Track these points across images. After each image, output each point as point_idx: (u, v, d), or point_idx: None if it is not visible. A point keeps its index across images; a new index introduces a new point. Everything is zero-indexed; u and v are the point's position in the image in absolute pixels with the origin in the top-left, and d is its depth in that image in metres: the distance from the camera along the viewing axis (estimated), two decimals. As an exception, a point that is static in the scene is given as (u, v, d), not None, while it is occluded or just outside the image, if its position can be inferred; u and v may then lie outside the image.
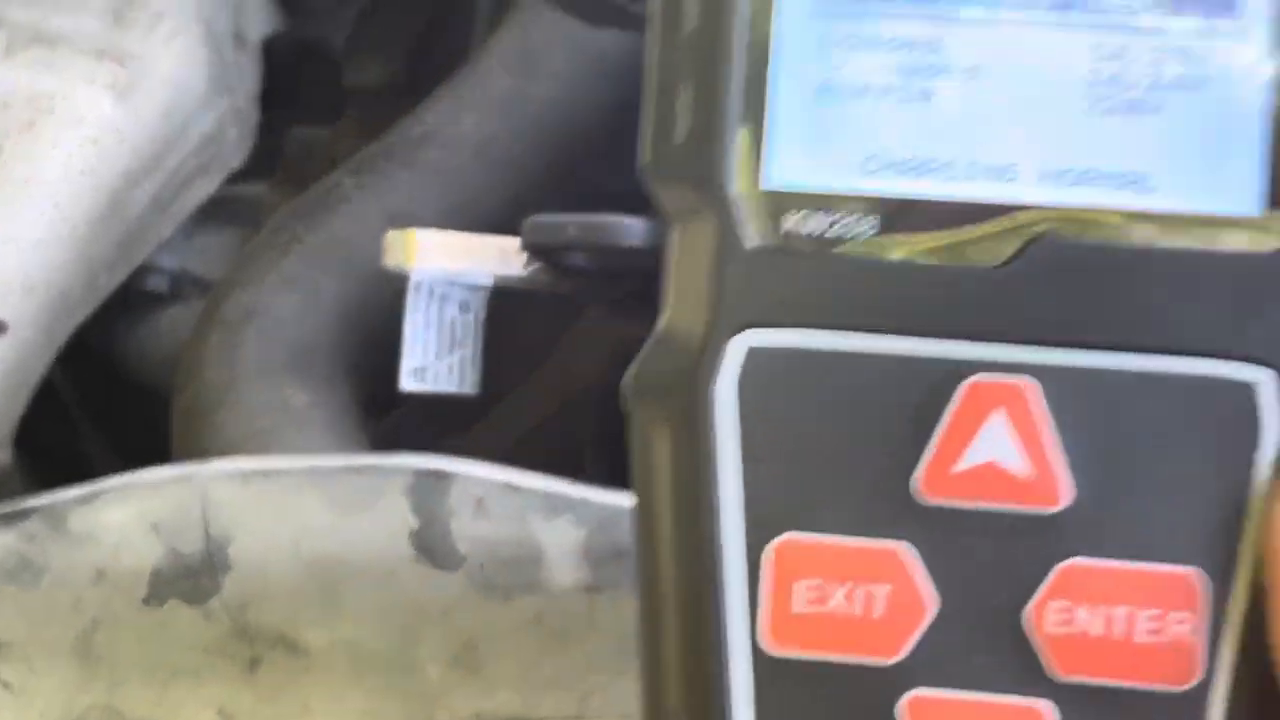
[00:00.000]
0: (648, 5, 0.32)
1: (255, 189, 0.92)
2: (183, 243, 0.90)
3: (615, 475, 0.73)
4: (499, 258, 0.67)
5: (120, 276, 0.82)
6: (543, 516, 0.53)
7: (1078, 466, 0.31)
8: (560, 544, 0.53)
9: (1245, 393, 0.30)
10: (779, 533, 0.31)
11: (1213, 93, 0.31)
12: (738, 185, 0.32)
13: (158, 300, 0.90)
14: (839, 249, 0.32)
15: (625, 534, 0.52)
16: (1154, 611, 0.31)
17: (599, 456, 0.78)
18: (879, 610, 0.31)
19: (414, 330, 0.68)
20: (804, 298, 0.32)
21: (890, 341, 0.32)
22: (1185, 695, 0.30)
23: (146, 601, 0.55)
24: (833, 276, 0.32)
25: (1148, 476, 0.31)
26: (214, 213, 0.89)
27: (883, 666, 0.31)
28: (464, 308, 0.69)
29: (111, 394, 0.93)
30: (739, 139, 0.32)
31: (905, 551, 0.31)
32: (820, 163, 0.32)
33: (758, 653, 0.31)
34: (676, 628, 0.31)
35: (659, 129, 0.32)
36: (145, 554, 0.54)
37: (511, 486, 0.54)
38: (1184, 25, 0.31)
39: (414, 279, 0.67)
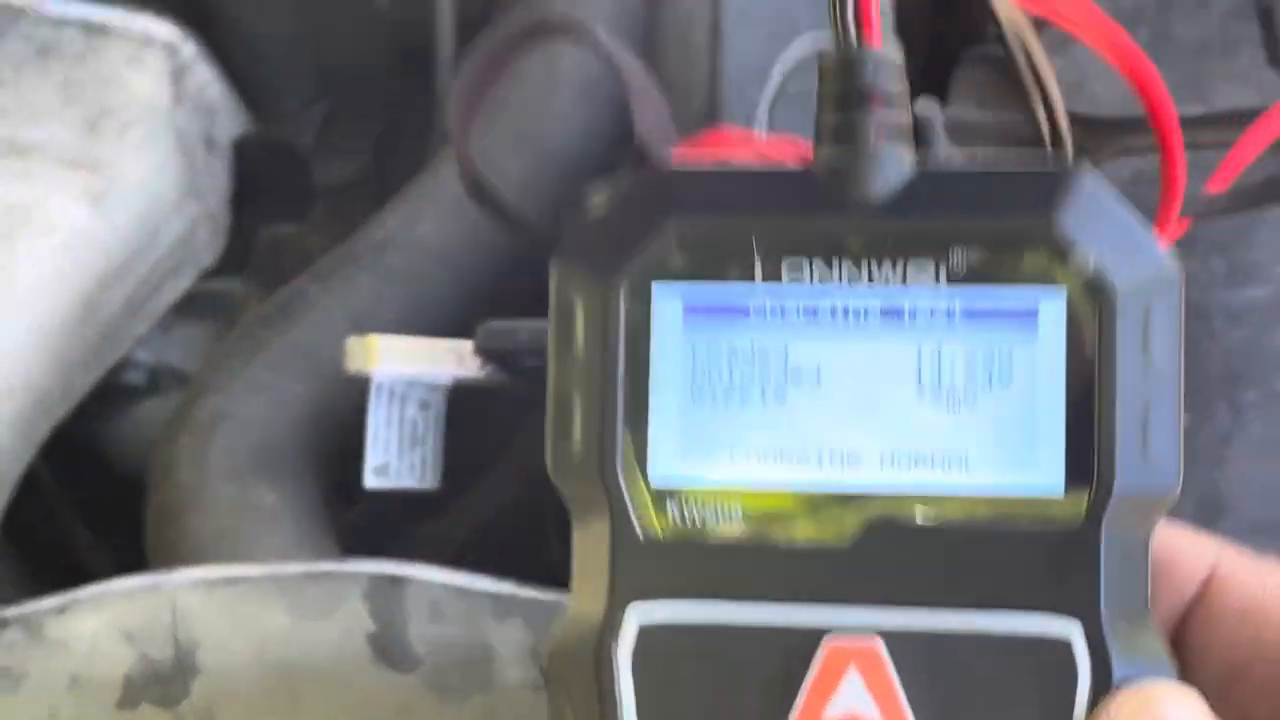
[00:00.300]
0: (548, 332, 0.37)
1: (229, 284, 0.95)
2: (159, 337, 0.93)
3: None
4: (456, 360, 0.70)
5: (96, 376, 0.85)
6: (494, 618, 0.56)
7: (922, 714, 0.35)
8: (510, 644, 0.56)
9: (1063, 645, 0.34)
10: None
11: (1018, 390, 0.35)
12: (626, 482, 0.36)
13: (136, 393, 0.92)
14: (714, 533, 0.36)
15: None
16: None
17: (561, 537, 0.80)
18: None
19: (376, 429, 0.71)
20: (686, 578, 0.36)
21: (760, 611, 0.35)
22: None
23: (120, 706, 0.57)
24: (709, 558, 0.36)
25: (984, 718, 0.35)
26: (189, 308, 0.92)
27: None
28: (424, 406, 0.72)
29: (95, 484, 0.95)
30: (624, 443, 0.36)
31: None
32: (695, 459, 0.36)
33: None
34: None
35: (558, 436, 0.37)
36: (118, 660, 0.57)
37: (463, 590, 0.56)
38: (993, 332, 0.35)
39: (375, 381, 0.70)
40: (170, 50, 0.88)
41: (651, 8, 0.86)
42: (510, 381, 0.71)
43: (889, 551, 0.35)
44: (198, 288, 0.92)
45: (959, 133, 0.67)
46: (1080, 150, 0.64)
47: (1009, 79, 0.40)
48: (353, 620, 0.57)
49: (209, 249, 0.91)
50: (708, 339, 0.36)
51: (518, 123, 0.82)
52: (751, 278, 0.36)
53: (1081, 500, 0.35)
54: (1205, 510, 0.59)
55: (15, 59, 0.85)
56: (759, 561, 0.36)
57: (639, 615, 0.36)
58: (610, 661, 0.36)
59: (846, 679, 0.35)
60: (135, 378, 0.93)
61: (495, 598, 0.56)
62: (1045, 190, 0.35)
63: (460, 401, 0.73)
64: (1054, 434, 0.35)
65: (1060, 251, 0.35)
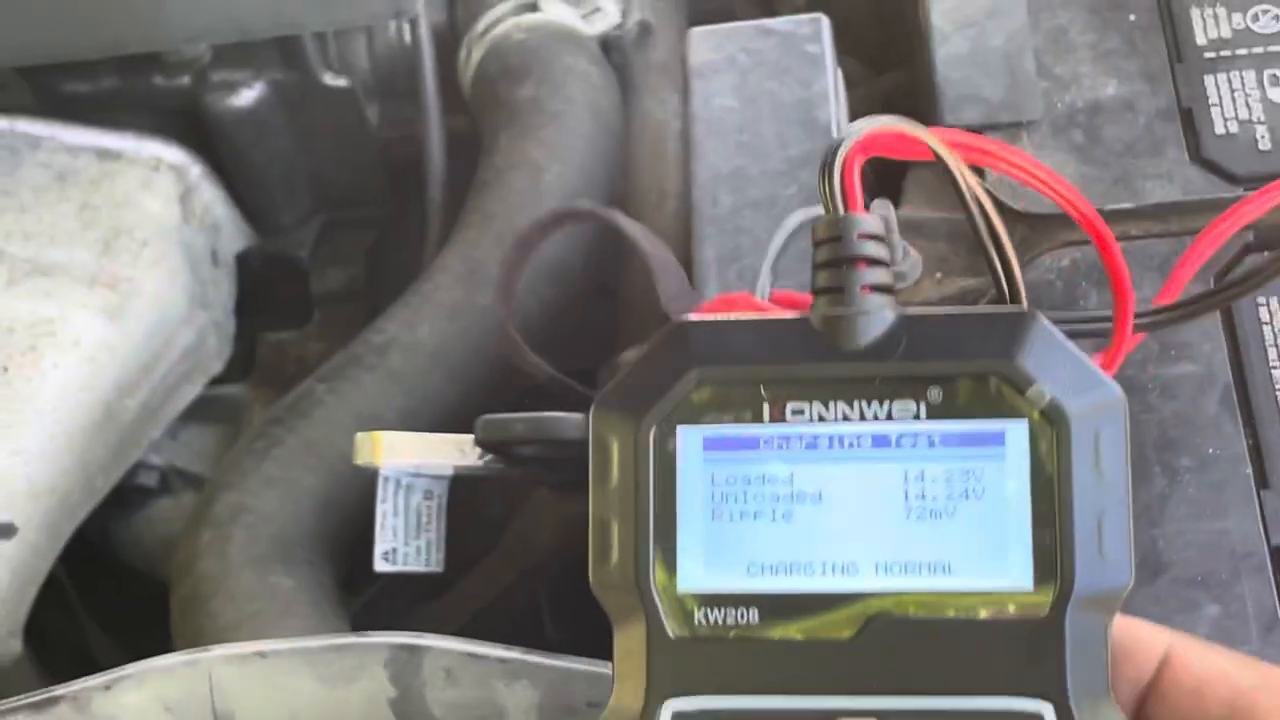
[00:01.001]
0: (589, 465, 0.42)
1: (234, 390, 1.01)
2: (170, 441, 0.98)
3: (569, 634, 0.80)
4: (457, 451, 0.75)
5: (115, 478, 0.90)
6: (503, 681, 0.61)
7: None
8: (519, 704, 0.61)
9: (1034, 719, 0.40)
10: None
11: (990, 503, 0.41)
12: (658, 592, 0.41)
13: (149, 494, 0.97)
14: (733, 634, 0.41)
15: (574, 694, 0.61)
16: None
17: (556, 618, 0.85)
18: None
19: (384, 518, 0.75)
20: (712, 673, 0.41)
21: (777, 699, 0.41)
22: None
23: (164, 773, 0.62)
24: (732, 655, 0.41)
25: None
26: (197, 413, 0.97)
27: None
28: (428, 495, 0.77)
29: (107, 581, 0.99)
30: (656, 558, 0.42)
31: None
32: (716, 570, 0.41)
33: None
34: None
35: (599, 554, 0.42)
36: (161, 731, 0.62)
37: (475, 656, 0.61)
38: (967, 456, 0.41)
39: (382, 473, 0.75)
40: (178, 173, 0.94)
41: (626, 121, 0.93)
42: (507, 471, 0.76)
43: (885, 646, 0.41)
44: (206, 393, 0.96)
45: (912, 230, 0.72)
46: (1024, 242, 0.70)
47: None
48: (375, 687, 0.61)
49: (217, 356, 0.96)
50: (725, 469, 0.42)
51: (508, 233, 0.87)
52: (761, 419, 0.41)
53: (1048, 596, 0.40)
54: (1146, 568, 0.63)
55: (35, 184, 0.91)
56: (775, 657, 0.41)
57: (672, 706, 0.41)
58: None
59: None
60: (148, 479, 0.97)
61: (505, 662, 0.61)
62: (1006, 334, 0.41)
63: (458, 490, 0.78)
64: (1022, 540, 0.40)
65: (1021, 386, 0.40)
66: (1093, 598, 0.40)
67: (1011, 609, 0.40)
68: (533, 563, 0.84)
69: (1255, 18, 0.74)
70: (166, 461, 0.98)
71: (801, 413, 0.41)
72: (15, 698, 0.64)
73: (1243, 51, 0.73)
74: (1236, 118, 0.72)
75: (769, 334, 0.42)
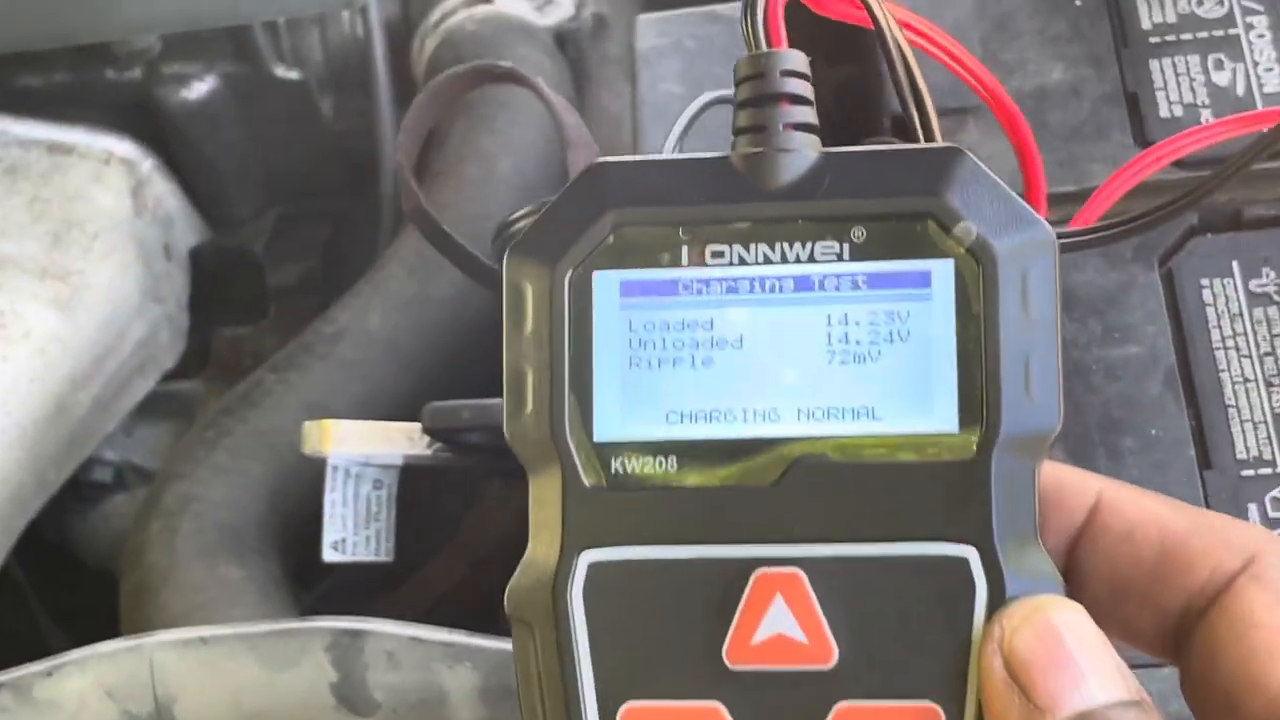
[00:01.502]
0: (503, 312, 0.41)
1: (188, 385, 1.00)
2: (124, 437, 0.97)
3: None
4: (406, 440, 0.75)
5: (68, 471, 0.90)
6: (445, 664, 0.61)
7: (840, 632, 0.39)
8: (461, 687, 0.61)
9: (962, 565, 0.39)
10: (625, 701, 0.40)
11: (915, 345, 0.40)
12: (573, 441, 0.40)
13: (104, 490, 0.97)
14: (651, 483, 0.40)
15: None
16: None
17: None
18: None
19: (333, 507, 0.76)
20: (629, 523, 0.40)
21: (696, 549, 0.40)
22: None
23: (105, 759, 0.62)
24: (649, 504, 0.40)
25: (894, 636, 0.39)
26: (151, 408, 0.97)
27: None
28: (377, 485, 0.77)
29: (63, 577, 0.99)
30: (571, 407, 0.40)
31: (720, 708, 0.40)
32: (633, 419, 0.40)
33: None
34: None
35: (513, 404, 0.41)
36: (103, 717, 0.61)
37: (417, 640, 0.61)
38: (892, 298, 0.40)
39: (331, 462, 0.75)
40: (130, 166, 0.94)
41: (581, 112, 0.93)
42: (457, 460, 0.76)
43: (807, 492, 0.39)
44: (160, 389, 0.97)
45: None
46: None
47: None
48: (317, 671, 0.61)
49: (170, 350, 0.96)
50: (643, 315, 0.40)
51: (461, 224, 0.87)
52: (680, 262, 0.40)
53: (973, 438, 0.39)
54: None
55: (-15, 178, 0.91)
56: (694, 506, 0.40)
57: (589, 557, 0.40)
58: (565, 598, 0.40)
59: (773, 605, 0.39)
60: (103, 475, 0.97)
61: (447, 646, 0.61)
62: (933, 170, 0.40)
63: (410, 484, 0.78)
64: (947, 382, 0.39)
65: (947, 224, 0.39)
66: (1020, 440, 0.39)
67: (936, 452, 0.39)
68: (485, 553, 0.84)
69: (1200, 2, 0.74)
70: (122, 457, 0.98)
71: (721, 255, 0.40)
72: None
73: (1187, 36, 0.73)
74: (1181, 101, 0.72)
75: (688, 174, 0.41)
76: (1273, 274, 0.67)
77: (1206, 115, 0.71)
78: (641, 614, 0.40)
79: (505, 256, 0.41)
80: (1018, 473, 0.39)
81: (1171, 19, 0.74)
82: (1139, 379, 0.67)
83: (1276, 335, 0.66)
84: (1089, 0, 0.76)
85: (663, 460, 0.40)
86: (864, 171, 0.40)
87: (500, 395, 0.68)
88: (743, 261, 0.40)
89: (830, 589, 0.39)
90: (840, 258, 0.40)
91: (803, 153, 0.41)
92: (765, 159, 0.41)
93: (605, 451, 0.40)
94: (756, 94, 0.41)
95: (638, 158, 0.42)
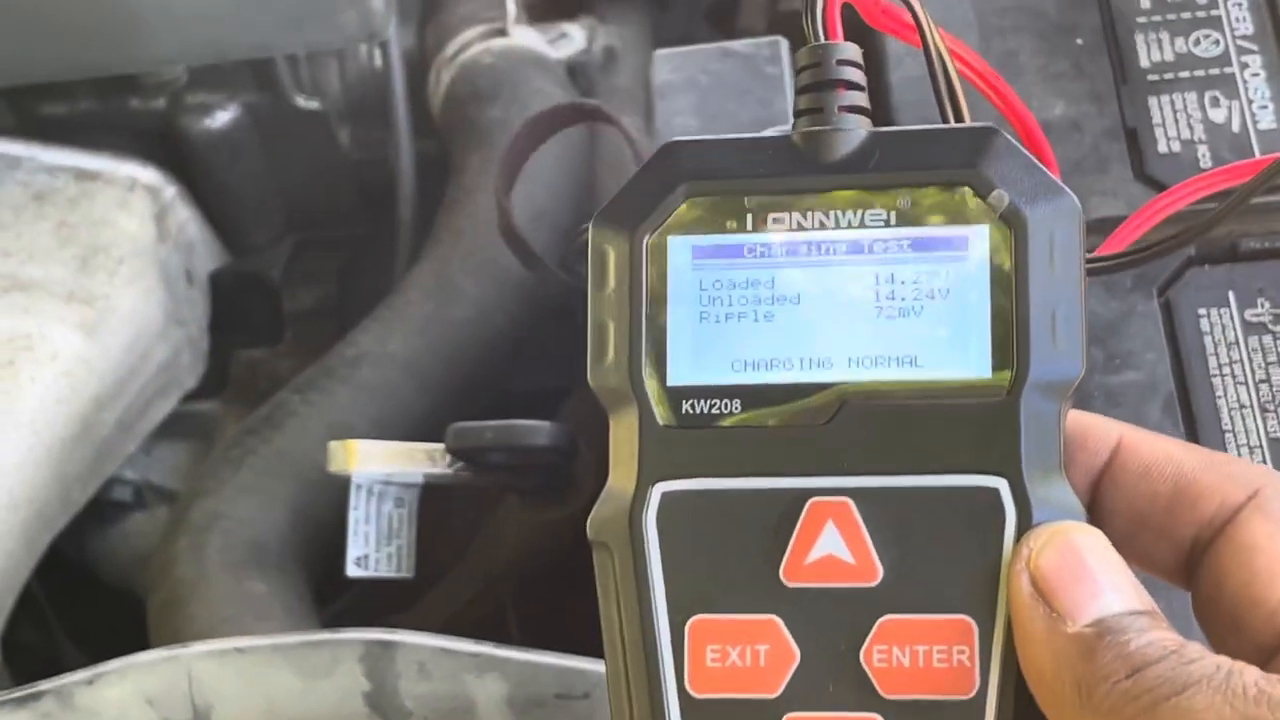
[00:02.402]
0: (584, 271, 0.46)
1: (207, 406, 1.02)
2: (144, 457, 0.99)
3: (534, 638, 0.82)
4: (427, 459, 0.77)
5: (91, 491, 0.92)
6: (474, 674, 0.63)
7: (884, 554, 0.43)
8: (489, 697, 0.63)
9: (993, 495, 0.43)
10: (692, 614, 0.44)
11: (953, 300, 0.44)
12: (650, 385, 0.44)
13: (123, 509, 0.99)
14: (718, 422, 0.44)
15: (543, 686, 0.63)
16: (943, 646, 0.43)
17: (522, 623, 0.87)
18: (762, 661, 0.43)
19: (356, 524, 0.78)
20: (697, 456, 0.44)
21: (757, 481, 0.44)
22: (970, 701, 0.42)
23: (145, 764, 0.64)
24: (715, 441, 0.44)
25: (932, 557, 0.43)
26: (171, 428, 0.99)
27: (767, 699, 0.43)
28: (399, 503, 0.79)
29: (80, 595, 1.01)
30: (647, 355, 0.45)
31: (777, 620, 0.44)
32: (702, 366, 0.45)
33: (684, 695, 0.44)
34: (630, 682, 0.44)
35: (596, 353, 0.45)
36: (142, 724, 0.64)
37: (447, 651, 0.63)
38: (933, 259, 0.44)
39: (354, 481, 0.77)
40: (154, 193, 0.96)
41: (591, 142, 0.95)
42: (477, 479, 0.78)
43: (855, 430, 0.43)
44: (179, 409, 0.98)
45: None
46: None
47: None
48: (350, 680, 0.63)
49: (191, 372, 0.98)
50: (712, 275, 0.45)
51: (476, 250, 0.90)
52: (745, 228, 0.45)
53: (1005, 381, 0.43)
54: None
55: (13, 202, 0.93)
56: (755, 443, 0.44)
57: (662, 488, 0.44)
58: (641, 524, 0.44)
59: (825, 530, 0.43)
60: (122, 494, 0.99)
61: (476, 656, 0.63)
62: (970, 146, 0.44)
63: (426, 501, 0.80)
64: (982, 333, 0.43)
65: (983, 193, 0.43)
66: (1047, 384, 0.43)
67: (971, 395, 0.43)
68: (499, 570, 0.86)
69: (1197, 42, 0.76)
70: (141, 476, 1.00)
71: (782, 222, 0.44)
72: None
73: (1185, 74, 0.76)
74: (1179, 137, 0.74)
75: (752, 151, 0.45)
76: (1267, 304, 0.70)
77: (1203, 151, 0.74)
78: (708, 538, 0.44)
79: (590, 225, 0.45)
80: (1045, 413, 0.43)
81: (1170, 57, 0.77)
82: (1139, 405, 0.69)
83: (1271, 363, 0.68)
84: (1090, 39, 0.78)
85: (728, 402, 0.44)
86: (909, 147, 0.45)
87: (521, 416, 0.71)
88: (801, 227, 0.44)
89: (876, 516, 0.43)
90: (888, 224, 0.44)
91: (855, 131, 0.45)
92: (822, 137, 0.45)
93: (677, 394, 0.45)
94: (815, 80, 0.46)
95: (707, 137, 0.46)
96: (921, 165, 0.44)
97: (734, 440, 0.44)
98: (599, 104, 0.51)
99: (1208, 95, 0.75)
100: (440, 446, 0.76)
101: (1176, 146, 0.74)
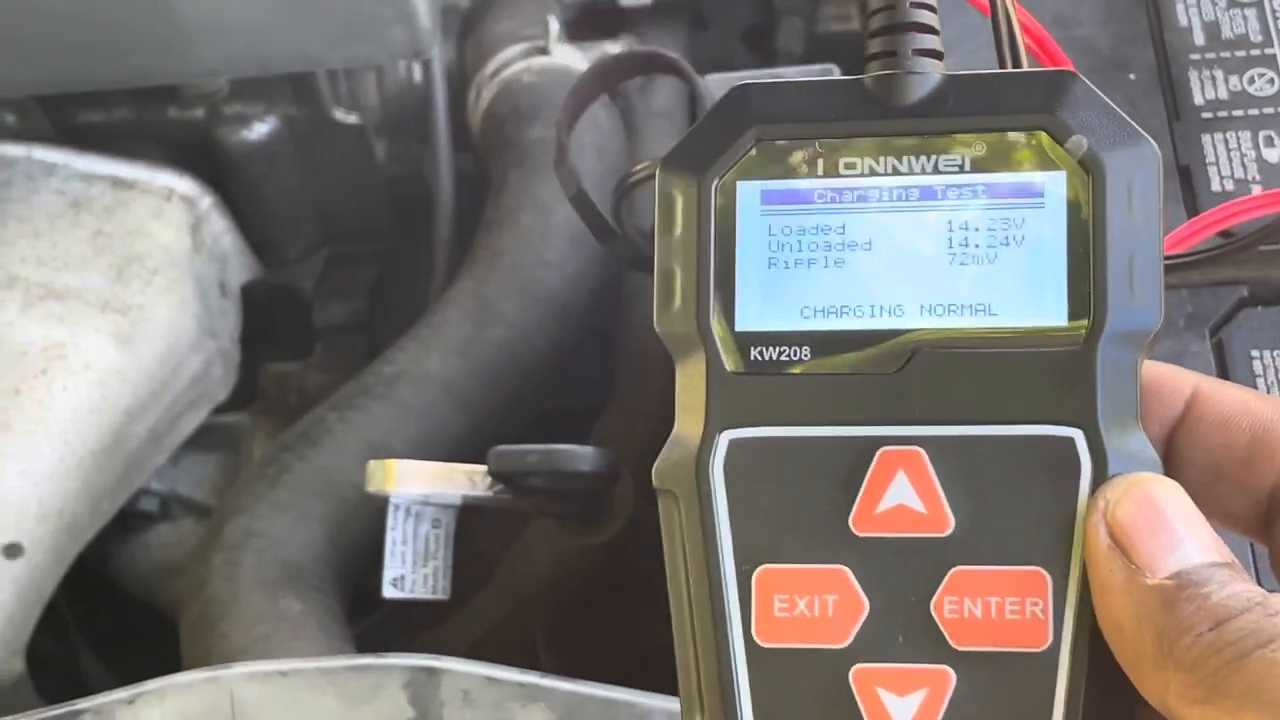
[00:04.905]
0: (653, 220, 0.45)
1: (236, 418, 1.02)
2: (171, 468, 0.99)
3: (564, 664, 0.81)
4: (467, 481, 0.76)
5: (121, 502, 0.91)
6: (519, 704, 0.63)
7: (956, 504, 0.42)
8: (535, 727, 0.63)
9: (1069, 445, 0.42)
10: (760, 564, 0.43)
11: (1029, 248, 0.43)
12: (717, 331, 0.43)
13: (149, 519, 0.98)
14: (787, 369, 0.43)
15: (588, 718, 0.62)
16: (1016, 598, 0.42)
17: (551, 647, 0.86)
18: (830, 611, 0.42)
19: (393, 545, 0.77)
20: (766, 404, 0.43)
21: (826, 429, 0.43)
22: (1043, 654, 0.41)
23: (184, 787, 0.63)
24: (783, 389, 0.43)
25: (1005, 508, 0.42)
26: (199, 440, 0.98)
27: (836, 649, 0.42)
28: (436, 524, 0.78)
29: (102, 605, 1.00)
30: (715, 301, 0.44)
31: (846, 570, 0.43)
32: (771, 313, 0.44)
33: (751, 645, 0.43)
34: (698, 631, 0.43)
35: (663, 299, 0.44)
36: (181, 746, 0.63)
37: (492, 679, 0.63)
38: (1008, 206, 0.43)
39: (393, 501, 0.76)
40: (190, 203, 0.95)
41: (630, 163, 0.95)
42: (515, 502, 0.77)
43: (927, 378, 0.43)
44: (208, 421, 0.98)
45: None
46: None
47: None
48: (394, 706, 0.63)
49: (222, 384, 0.97)
50: (782, 220, 0.44)
51: (517, 270, 0.89)
52: (816, 173, 0.44)
53: (1081, 330, 0.42)
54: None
55: (50, 210, 0.92)
56: (824, 390, 0.43)
57: (729, 435, 0.43)
58: (708, 472, 0.43)
59: (896, 479, 0.43)
60: (149, 505, 0.98)
61: (521, 686, 0.63)
62: (1047, 90, 0.43)
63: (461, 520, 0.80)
64: (1058, 281, 0.42)
65: (1060, 138, 0.42)
66: (1124, 334, 0.42)
67: (1047, 344, 0.42)
68: (530, 593, 0.85)
69: (1251, 80, 0.76)
70: (167, 488, 0.99)
71: (854, 167, 0.44)
72: (36, 710, 0.65)
73: (1239, 113, 0.76)
74: (1232, 176, 0.74)
75: (824, 94, 0.44)
76: (1320, 347, 0.70)
77: (1256, 190, 0.73)
78: (776, 486, 0.43)
79: (658, 170, 0.44)
80: (1121, 363, 0.42)
81: (1224, 95, 0.76)
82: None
83: (1324, 407, 0.68)
84: (1143, 75, 0.78)
85: (797, 349, 0.43)
86: (984, 91, 0.44)
87: (560, 440, 0.70)
88: (873, 172, 0.44)
89: (948, 465, 0.42)
90: (962, 169, 0.43)
91: (929, 75, 0.44)
92: (895, 80, 0.44)
93: (745, 340, 0.44)
94: (889, 23, 0.45)
95: (778, 79, 0.45)
96: (997, 110, 0.43)
97: (803, 388, 0.43)
98: (676, 57, 0.51)
99: (1262, 135, 0.75)
100: (480, 468, 0.76)
101: (1230, 185, 0.74)
